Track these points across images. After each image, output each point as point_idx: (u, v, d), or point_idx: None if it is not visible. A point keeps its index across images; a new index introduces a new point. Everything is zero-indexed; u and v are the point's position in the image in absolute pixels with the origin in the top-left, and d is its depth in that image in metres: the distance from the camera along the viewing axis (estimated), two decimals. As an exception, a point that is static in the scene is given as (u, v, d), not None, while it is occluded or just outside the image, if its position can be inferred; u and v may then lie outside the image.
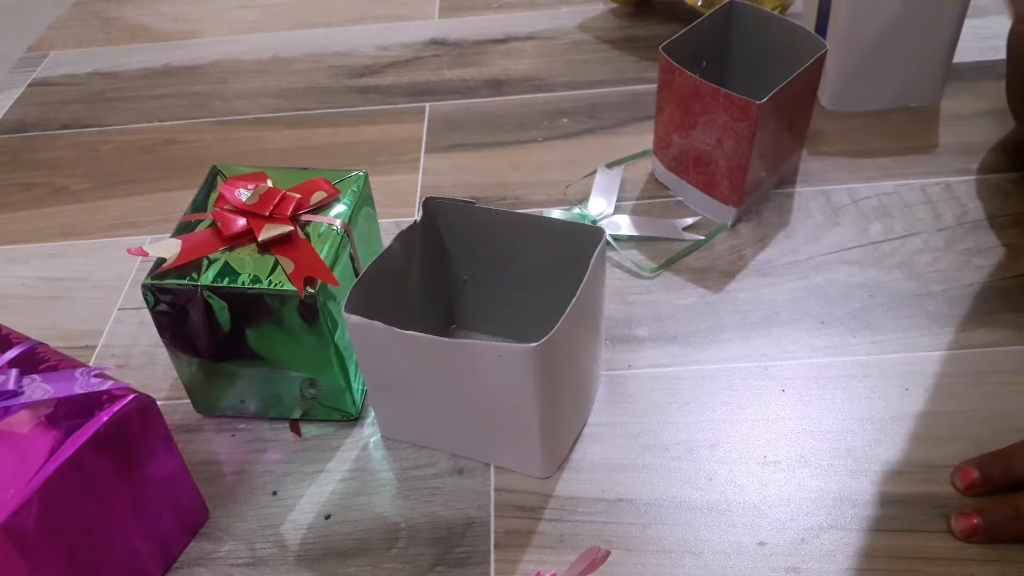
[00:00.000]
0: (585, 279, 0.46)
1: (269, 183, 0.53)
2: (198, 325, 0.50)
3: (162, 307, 0.49)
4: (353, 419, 0.55)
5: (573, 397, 0.51)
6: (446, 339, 0.45)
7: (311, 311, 0.48)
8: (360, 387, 0.55)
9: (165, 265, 0.49)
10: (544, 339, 0.43)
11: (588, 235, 0.50)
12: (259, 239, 0.50)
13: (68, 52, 0.97)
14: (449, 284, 0.57)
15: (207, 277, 0.48)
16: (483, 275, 0.56)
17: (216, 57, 0.93)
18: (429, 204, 0.53)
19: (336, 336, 0.50)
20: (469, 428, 0.50)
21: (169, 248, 0.50)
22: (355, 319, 0.46)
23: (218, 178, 0.55)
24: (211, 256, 0.50)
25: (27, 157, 0.81)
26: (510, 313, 0.56)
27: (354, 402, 0.54)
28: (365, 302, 0.48)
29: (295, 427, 0.55)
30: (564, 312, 0.45)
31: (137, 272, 0.67)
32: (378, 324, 0.46)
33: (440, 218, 0.54)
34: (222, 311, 0.49)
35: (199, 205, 0.53)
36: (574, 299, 0.46)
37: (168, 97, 0.88)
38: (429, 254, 0.54)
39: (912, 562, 0.46)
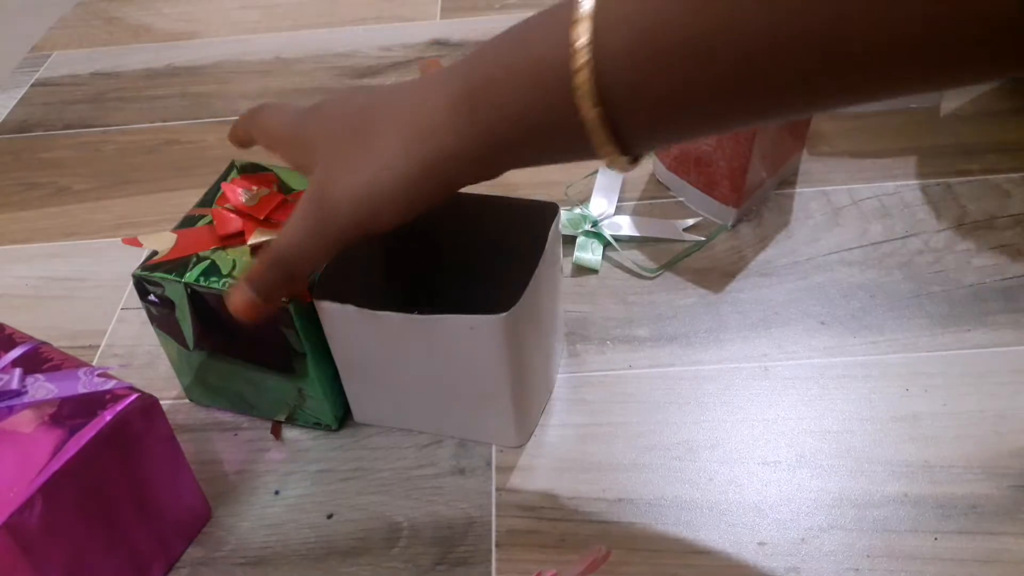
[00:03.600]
0: (544, 252, 0.49)
1: (274, 187, 0.53)
2: (183, 319, 0.50)
3: (151, 298, 0.50)
4: (333, 430, 0.54)
5: (540, 366, 0.53)
6: (419, 315, 0.46)
7: (287, 318, 0.48)
8: (342, 400, 0.54)
9: (157, 257, 0.49)
10: (512, 308, 0.45)
11: (544, 212, 0.52)
12: (247, 243, 0.50)
13: (71, 52, 0.97)
14: (414, 268, 0.57)
15: (192, 275, 0.48)
16: (446, 258, 0.56)
17: (219, 57, 0.93)
18: None
19: (314, 345, 0.50)
20: (442, 404, 0.51)
21: (162, 241, 0.50)
22: (326, 304, 0.47)
23: (232, 173, 0.55)
24: (201, 254, 0.50)
25: (30, 157, 0.81)
26: (474, 293, 0.56)
27: (335, 416, 0.54)
28: (333, 288, 0.48)
29: (276, 430, 0.55)
30: (526, 287, 0.47)
31: (140, 272, 0.67)
32: (350, 307, 0.47)
33: None
34: (203, 309, 0.49)
35: (208, 200, 0.53)
36: (535, 271, 0.48)
37: (171, 97, 0.88)
38: (393, 239, 0.54)
39: (913, 562, 0.46)
